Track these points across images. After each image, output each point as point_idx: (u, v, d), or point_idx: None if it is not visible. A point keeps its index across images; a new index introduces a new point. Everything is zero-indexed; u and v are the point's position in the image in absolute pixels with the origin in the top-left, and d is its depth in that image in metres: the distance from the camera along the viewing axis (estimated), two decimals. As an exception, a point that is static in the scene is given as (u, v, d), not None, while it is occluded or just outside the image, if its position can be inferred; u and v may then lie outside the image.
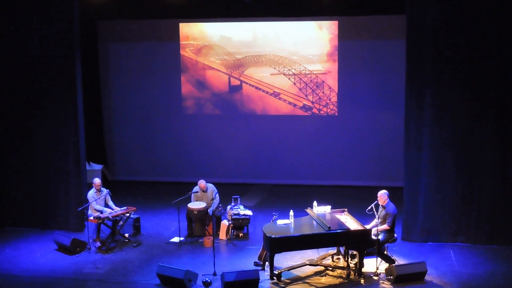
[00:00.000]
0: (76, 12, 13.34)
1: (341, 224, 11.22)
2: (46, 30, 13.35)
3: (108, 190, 13.09)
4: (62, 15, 13.26)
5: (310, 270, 11.35)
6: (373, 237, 11.05)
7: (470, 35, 12.11)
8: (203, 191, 13.26)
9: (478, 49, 12.11)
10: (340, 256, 11.67)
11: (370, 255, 11.18)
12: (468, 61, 12.19)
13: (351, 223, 11.27)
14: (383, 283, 10.80)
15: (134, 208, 13.09)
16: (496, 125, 12.24)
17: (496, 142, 12.29)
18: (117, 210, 12.81)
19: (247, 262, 11.68)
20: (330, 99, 17.04)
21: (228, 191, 14.29)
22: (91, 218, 12.58)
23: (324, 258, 11.74)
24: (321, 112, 17.16)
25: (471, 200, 12.51)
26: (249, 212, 13.34)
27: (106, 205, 12.93)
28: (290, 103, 17.28)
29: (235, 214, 13.20)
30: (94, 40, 17.66)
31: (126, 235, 13.07)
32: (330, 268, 11.35)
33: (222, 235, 13.10)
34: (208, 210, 13.02)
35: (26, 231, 13.67)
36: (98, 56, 17.86)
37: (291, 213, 11.50)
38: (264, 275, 11.02)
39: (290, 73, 17.09)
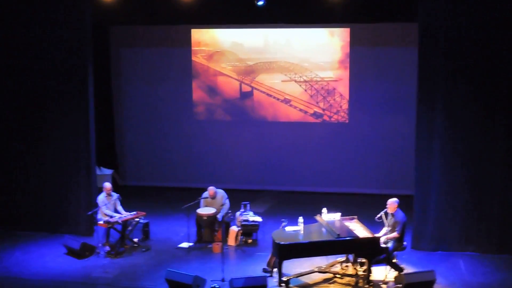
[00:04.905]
0: (88, 17, 13.40)
1: (350, 231, 11.19)
2: (58, 35, 13.42)
3: (118, 195, 13.11)
4: (74, 20, 13.32)
5: (318, 277, 11.32)
6: (382, 245, 11.02)
7: (482, 43, 12.08)
8: (212, 198, 13.27)
9: (490, 57, 12.08)
10: (349, 264, 11.63)
11: (379, 263, 11.14)
12: (480, 70, 12.16)
13: (361, 231, 11.24)
14: (391, 291, 10.80)
15: (144, 213, 13.12)
16: (507, 135, 12.19)
17: (507, 152, 12.24)
18: (127, 214, 12.84)
19: (255, 269, 11.65)
20: (341, 106, 17.02)
21: (238, 197, 14.26)
22: (101, 222, 12.61)
23: (332, 266, 11.70)
24: (332, 119, 17.15)
25: (481, 209, 12.45)
26: (258, 219, 13.34)
27: (116, 210, 12.95)
28: (301, 110, 17.27)
29: (244, 220, 13.21)
30: (106, 46, 17.74)
31: (135, 240, 13.09)
32: (339, 276, 11.32)
33: (231, 241, 13.09)
34: (218, 216, 13.02)
35: (36, 235, 13.69)
36: (110, 62, 17.94)
37: (301, 219, 11.49)
38: (273, 281, 11.00)
39: (301, 80, 17.09)
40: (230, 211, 13.34)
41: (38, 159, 13.88)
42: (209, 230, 13.08)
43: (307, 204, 15.30)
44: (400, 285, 10.73)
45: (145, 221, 13.42)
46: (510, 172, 12.29)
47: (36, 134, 13.84)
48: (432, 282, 10.79)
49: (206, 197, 13.26)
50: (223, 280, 11.04)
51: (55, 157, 13.78)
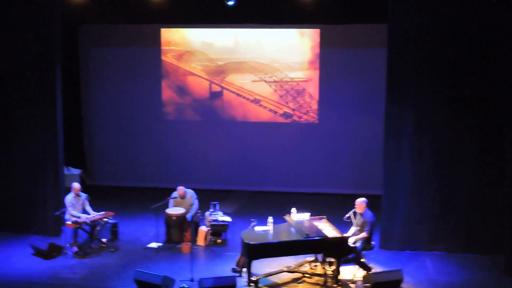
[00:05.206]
0: (57, 16, 13.28)
1: (319, 231, 11.24)
2: (26, 34, 13.27)
3: (86, 195, 13.00)
4: (43, 19, 13.19)
5: (287, 276, 11.34)
6: (351, 244, 11.09)
7: (451, 45, 12.23)
8: (182, 198, 13.23)
9: (458, 59, 12.23)
10: (318, 263, 11.68)
11: (347, 262, 11.20)
12: (448, 72, 12.30)
13: (329, 231, 11.29)
14: (360, 290, 10.87)
15: (112, 213, 13.03)
16: (474, 135, 12.36)
17: (475, 154, 12.40)
18: (95, 215, 12.74)
19: (225, 269, 11.63)
20: (310, 107, 17.10)
21: (207, 197, 14.26)
22: (68, 222, 12.50)
23: (301, 265, 11.74)
24: (302, 119, 17.21)
25: (448, 209, 12.60)
26: (227, 219, 13.35)
27: (84, 211, 12.84)
28: (270, 110, 17.31)
29: (213, 220, 13.20)
30: (75, 45, 17.60)
31: (104, 240, 12.98)
32: (308, 275, 11.36)
33: (200, 241, 13.07)
34: (187, 216, 12.98)
35: (2, 236, 13.50)
36: (79, 61, 17.80)
37: (270, 219, 11.51)
38: (242, 281, 10.99)
39: (271, 80, 17.13)
40: (199, 211, 13.31)
41: (5, 159, 13.70)
42: (178, 230, 13.03)
43: (276, 204, 15.37)
44: (368, 285, 10.82)
45: (114, 221, 13.34)
46: (477, 173, 12.45)
47: (3, 134, 13.67)
48: (399, 281, 10.90)
49: (175, 197, 13.22)
50: (192, 280, 11.01)
51: (22, 157, 13.61)
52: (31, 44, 13.31)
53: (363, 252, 11.37)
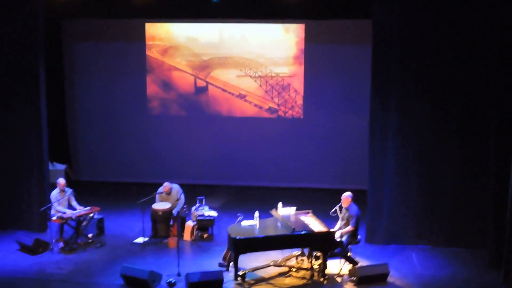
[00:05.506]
0: (40, 10, 13.19)
1: (305, 225, 11.30)
2: (9, 29, 13.16)
3: (72, 190, 12.97)
4: (26, 14, 13.10)
5: (274, 271, 11.40)
6: (337, 239, 11.15)
7: (436, 41, 12.27)
8: (167, 194, 13.23)
9: (442, 56, 12.29)
10: (304, 258, 11.74)
11: (334, 256, 11.26)
12: (433, 68, 12.36)
13: (315, 225, 11.35)
14: (346, 284, 10.92)
15: (98, 209, 13.01)
16: (458, 131, 12.43)
17: (459, 150, 12.47)
18: (81, 210, 12.71)
19: (211, 263, 11.67)
20: (295, 102, 17.13)
21: (193, 192, 14.25)
22: (54, 218, 12.46)
23: (288, 259, 11.79)
24: (287, 114, 17.25)
25: (433, 204, 12.69)
26: (214, 213, 13.37)
27: (70, 205, 12.80)
28: (256, 105, 17.32)
29: (200, 215, 13.22)
30: (58, 39, 17.47)
31: (90, 235, 12.96)
32: (294, 269, 11.42)
33: (187, 236, 13.08)
34: (173, 211, 12.98)
35: (-13, 231, 13.49)
36: (62, 56, 17.67)
37: (256, 214, 11.55)
38: (228, 276, 11.05)
39: (256, 75, 17.14)
40: (185, 206, 13.31)
41: (-11, 155, 13.64)
42: (165, 225, 13.03)
43: (262, 199, 15.38)
44: (355, 278, 10.90)
45: (100, 216, 13.33)
46: (461, 168, 12.53)
47: (-14, 129, 13.59)
48: (385, 275, 10.99)
49: (161, 192, 13.21)
50: (178, 274, 11.02)
51: (6, 153, 13.53)
52: (13, 39, 13.20)
53: (349, 246, 11.44)
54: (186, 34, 17.25)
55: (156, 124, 17.78)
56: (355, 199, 11.63)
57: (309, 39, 16.78)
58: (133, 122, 17.80)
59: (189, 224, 13.16)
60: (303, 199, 15.13)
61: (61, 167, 17.06)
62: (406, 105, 12.52)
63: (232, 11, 15.78)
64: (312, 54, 16.82)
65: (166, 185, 13.25)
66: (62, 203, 12.69)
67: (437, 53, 12.31)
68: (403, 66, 12.44)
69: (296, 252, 11.88)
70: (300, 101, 17.12)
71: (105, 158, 18.01)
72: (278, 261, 11.67)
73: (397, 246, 12.73)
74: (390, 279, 11.01)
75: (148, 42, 17.41)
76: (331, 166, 17.11)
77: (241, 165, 17.56)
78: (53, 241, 12.49)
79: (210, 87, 17.44)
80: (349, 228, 11.35)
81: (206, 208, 13.50)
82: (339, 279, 11.10)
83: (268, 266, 11.48)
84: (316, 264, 11.39)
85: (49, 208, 12.55)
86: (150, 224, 13.10)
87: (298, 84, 17.04)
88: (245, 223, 11.57)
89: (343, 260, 11.33)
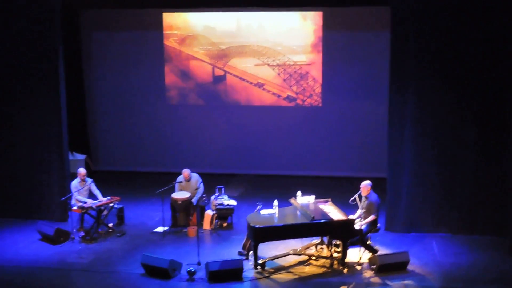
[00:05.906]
0: (58, 0, 13.24)
1: (324, 214, 11.28)
2: (28, 19, 13.24)
3: (92, 180, 13.04)
4: (44, 4, 13.16)
5: (293, 259, 11.42)
6: (357, 227, 11.13)
7: (454, 29, 12.16)
8: (187, 181, 13.27)
9: (461, 43, 12.17)
10: (324, 246, 11.74)
11: (353, 244, 11.25)
12: (451, 55, 12.25)
13: (335, 213, 11.34)
14: (366, 272, 10.91)
15: (118, 198, 13.06)
16: (476, 118, 12.34)
17: (478, 136, 12.38)
18: (101, 199, 12.78)
19: (231, 252, 11.71)
20: (314, 90, 17.08)
21: (212, 181, 14.29)
22: (75, 208, 12.55)
23: (307, 248, 11.80)
24: (305, 103, 17.20)
25: (453, 191, 12.62)
26: (233, 202, 13.38)
27: (91, 195, 12.88)
28: (274, 93, 17.29)
29: (219, 204, 13.24)
30: (77, 29, 17.55)
31: (110, 225, 13.05)
32: (314, 258, 11.43)
33: (206, 225, 13.12)
34: (192, 200, 13.03)
35: (9, 221, 13.59)
36: (81, 46, 17.74)
37: (275, 203, 11.56)
38: (248, 264, 11.09)
39: (274, 63, 17.10)
40: (204, 195, 13.35)
41: (10, 145, 13.74)
42: (184, 214, 13.08)
43: (281, 188, 15.36)
44: (375, 266, 10.88)
45: (120, 206, 13.40)
46: (480, 155, 12.45)
47: (7, 120, 13.69)
48: (405, 263, 10.97)
49: (181, 181, 13.26)
50: (199, 263, 11.07)
51: (27, 143, 13.64)
52: (32, 29, 13.28)
53: (369, 234, 11.42)
54: (204, 23, 17.23)
55: (174, 114, 17.83)
56: (374, 187, 11.59)
57: (327, 26, 16.69)
58: (151, 112, 17.86)
59: (209, 213, 13.20)
60: (322, 187, 15.12)
61: (81, 157, 17.17)
62: (424, 92, 12.43)
63: (249, 0, 15.73)
64: (330, 42, 16.74)
65: (186, 171, 13.29)
66: (82, 193, 12.78)
67: (456, 42, 12.19)
68: (421, 54, 12.34)
69: (316, 240, 11.89)
70: (318, 89, 17.06)
71: (124, 148, 18.10)
72: (297, 249, 11.68)
73: (417, 234, 12.69)
74: (410, 267, 10.99)
75: (166, 32, 17.42)
76: (350, 154, 17.05)
77: (259, 154, 17.56)
78: (74, 230, 12.57)
79: (228, 76, 17.43)
80: (371, 217, 11.31)
81: (226, 197, 13.52)
82: (358, 268, 11.09)
83: (288, 254, 11.50)
84: (335, 253, 11.38)
85: (70, 198, 12.65)
86: (169, 213, 13.16)
87: (316, 72, 16.98)
88: (264, 211, 11.58)
89: (362, 249, 11.32)
